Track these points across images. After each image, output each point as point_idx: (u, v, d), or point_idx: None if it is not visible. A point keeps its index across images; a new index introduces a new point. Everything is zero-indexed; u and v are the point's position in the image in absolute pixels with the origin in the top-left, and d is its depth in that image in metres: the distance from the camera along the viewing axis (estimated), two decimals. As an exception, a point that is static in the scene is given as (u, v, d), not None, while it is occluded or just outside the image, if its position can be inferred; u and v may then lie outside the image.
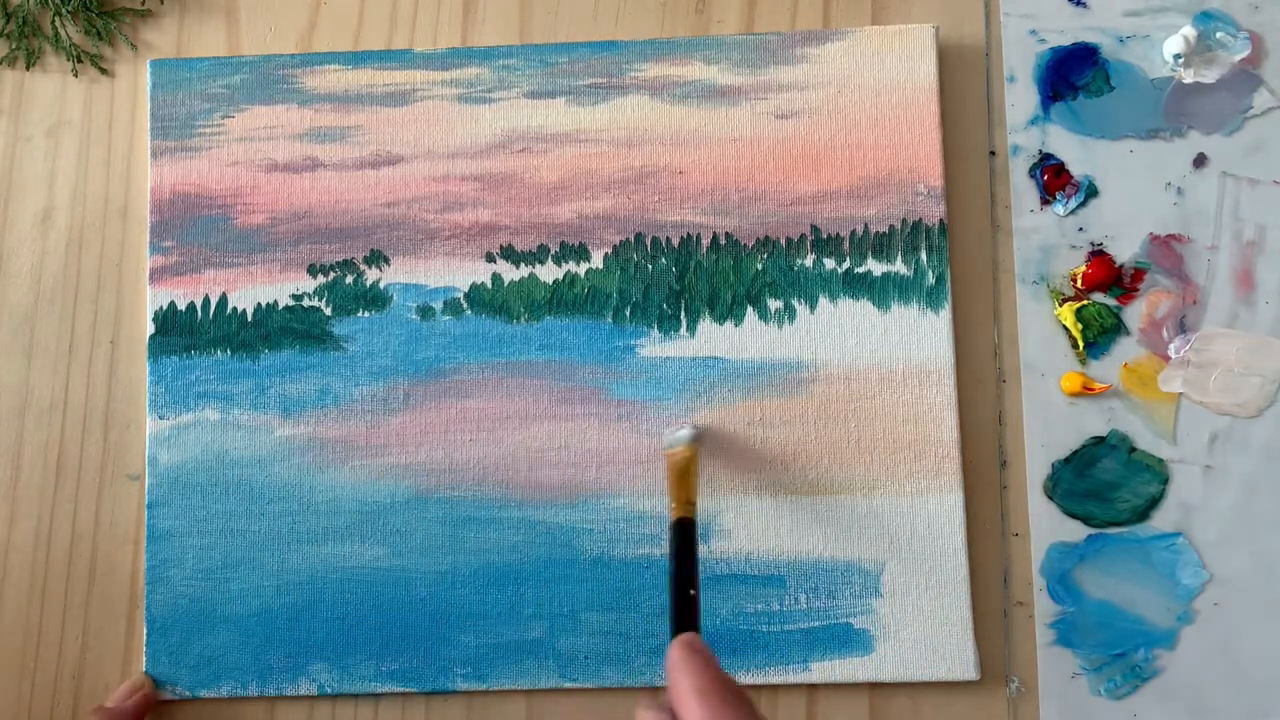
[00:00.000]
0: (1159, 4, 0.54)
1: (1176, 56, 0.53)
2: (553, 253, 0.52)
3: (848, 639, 0.50)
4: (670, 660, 0.37)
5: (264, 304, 0.52)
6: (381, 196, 0.53)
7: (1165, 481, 0.51)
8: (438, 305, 0.52)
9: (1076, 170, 0.53)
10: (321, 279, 0.52)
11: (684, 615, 0.41)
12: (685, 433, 0.49)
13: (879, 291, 0.51)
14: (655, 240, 0.52)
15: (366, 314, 0.52)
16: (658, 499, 0.50)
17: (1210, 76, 0.53)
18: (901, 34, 0.53)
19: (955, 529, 0.50)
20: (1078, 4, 0.54)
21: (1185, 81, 0.53)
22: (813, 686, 0.50)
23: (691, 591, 0.41)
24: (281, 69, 0.53)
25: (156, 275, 0.52)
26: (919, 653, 0.49)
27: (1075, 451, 0.51)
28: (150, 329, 0.52)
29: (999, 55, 0.54)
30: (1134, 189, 0.53)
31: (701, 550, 0.50)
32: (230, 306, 0.52)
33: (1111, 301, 0.52)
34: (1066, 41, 0.54)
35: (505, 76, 0.53)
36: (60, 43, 0.55)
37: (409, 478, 0.51)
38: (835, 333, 0.51)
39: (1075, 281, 0.52)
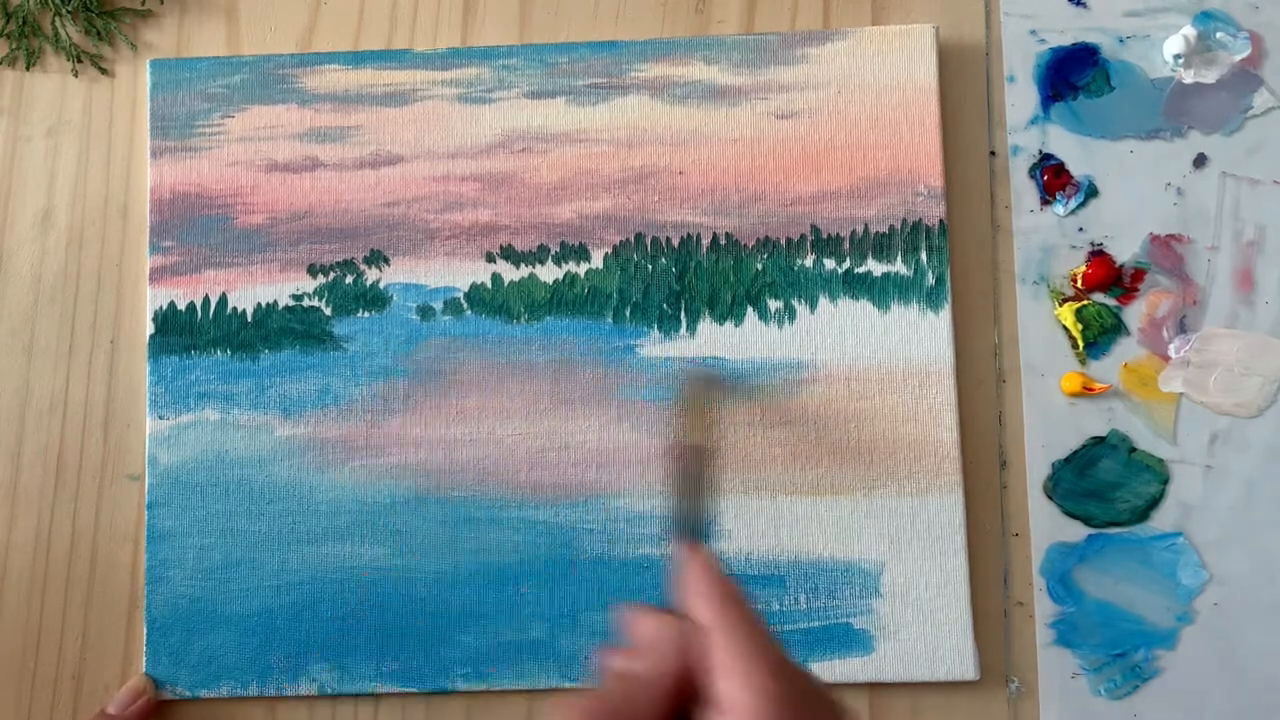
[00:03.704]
0: (1159, 4, 0.54)
1: (1176, 56, 0.53)
2: (553, 253, 0.52)
3: (848, 639, 0.50)
4: (685, 564, 0.36)
5: (264, 304, 0.52)
6: (381, 196, 0.53)
7: (1165, 481, 0.51)
8: (438, 305, 0.52)
9: (1076, 170, 0.53)
10: (321, 279, 0.52)
11: (697, 531, 0.41)
12: (708, 371, 0.50)
13: (879, 292, 0.51)
14: (655, 240, 0.52)
15: (366, 314, 0.52)
16: (658, 499, 0.50)
17: (1210, 76, 0.53)
18: (901, 34, 0.52)
19: (955, 529, 0.50)
20: (1078, 4, 0.54)
21: (1185, 81, 0.53)
22: (813, 686, 0.50)
23: (705, 513, 0.42)
24: (281, 69, 0.53)
25: (156, 275, 0.52)
26: (919, 653, 0.49)
27: (1075, 451, 0.51)
28: (150, 329, 0.52)
29: (999, 55, 0.54)
30: (1134, 189, 0.53)
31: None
32: (230, 306, 0.52)
33: (1111, 301, 0.52)
34: (1066, 41, 0.54)
35: (505, 76, 0.53)
36: (60, 43, 0.55)
37: (409, 478, 0.51)
38: (835, 333, 0.51)
39: (1075, 281, 0.52)
